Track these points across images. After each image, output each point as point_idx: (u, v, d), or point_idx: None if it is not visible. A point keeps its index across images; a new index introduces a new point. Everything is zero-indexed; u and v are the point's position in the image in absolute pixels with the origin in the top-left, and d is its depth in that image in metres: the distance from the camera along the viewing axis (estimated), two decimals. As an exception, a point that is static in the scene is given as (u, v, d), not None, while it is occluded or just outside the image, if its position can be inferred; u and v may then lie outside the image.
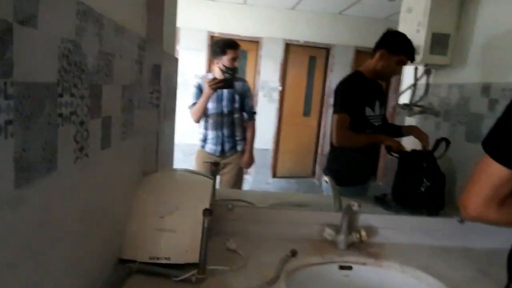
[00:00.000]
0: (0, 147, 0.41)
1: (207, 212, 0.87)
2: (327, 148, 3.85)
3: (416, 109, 2.00)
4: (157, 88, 1.10)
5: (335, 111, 1.63)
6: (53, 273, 0.56)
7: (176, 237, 0.94)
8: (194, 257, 0.92)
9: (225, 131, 2.23)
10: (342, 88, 1.66)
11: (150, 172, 1.09)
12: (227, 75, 2.07)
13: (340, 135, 1.61)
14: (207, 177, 1.14)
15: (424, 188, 1.50)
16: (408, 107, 2.01)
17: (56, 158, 0.55)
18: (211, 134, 2.23)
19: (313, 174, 4.52)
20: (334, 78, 4.40)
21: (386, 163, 1.90)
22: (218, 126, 2.22)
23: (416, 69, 1.93)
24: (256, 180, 4.13)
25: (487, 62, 1.59)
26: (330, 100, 4.40)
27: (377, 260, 1.09)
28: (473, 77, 1.66)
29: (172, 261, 0.93)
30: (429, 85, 1.94)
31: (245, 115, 2.30)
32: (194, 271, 0.88)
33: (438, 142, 1.54)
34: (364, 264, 1.10)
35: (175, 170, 1.24)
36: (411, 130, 1.79)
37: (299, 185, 4.36)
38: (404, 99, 2.06)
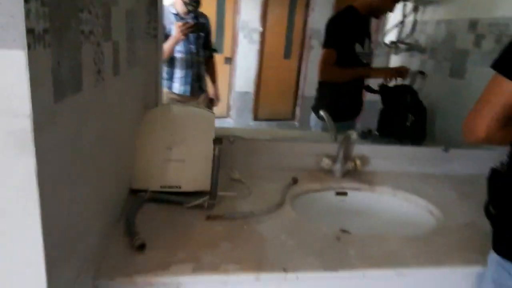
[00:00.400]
0: (40, 56, 0.40)
1: (217, 140, 0.89)
2: (308, 91, 3.85)
3: (403, 46, 2.02)
4: (154, 17, 1.05)
5: (323, 45, 1.63)
6: (80, 196, 0.57)
7: (185, 166, 0.96)
8: (204, 185, 0.95)
9: (194, 70, 2.18)
10: (333, 23, 1.64)
11: (151, 105, 1.08)
12: (190, 7, 1.98)
13: (324, 70, 1.62)
14: (208, 111, 1.14)
15: (410, 122, 1.58)
16: (394, 44, 2.03)
17: (82, 78, 0.54)
18: (179, 73, 2.16)
19: (293, 117, 4.57)
20: (315, 19, 4.29)
21: (364, 102, 1.95)
22: (186, 65, 2.15)
23: (404, 5, 1.93)
24: (238, 123, 4.14)
25: (476, -3, 1.61)
26: (311, 42, 4.33)
27: (371, 186, 1.18)
28: (460, 13, 1.68)
29: (182, 189, 0.96)
30: (417, 22, 1.95)
31: (207, 52, 2.26)
32: (205, 197, 0.92)
33: (414, 74, 1.58)
34: (358, 189, 1.18)
35: (175, 104, 1.23)
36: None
37: (280, 127, 4.41)
38: (390, 37, 2.07)
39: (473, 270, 0.79)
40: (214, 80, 2.37)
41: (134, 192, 0.95)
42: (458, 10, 1.72)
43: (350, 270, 0.73)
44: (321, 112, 1.40)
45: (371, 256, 0.78)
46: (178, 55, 2.11)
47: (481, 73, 1.50)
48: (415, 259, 0.79)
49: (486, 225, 0.80)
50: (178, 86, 2.17)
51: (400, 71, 1.66)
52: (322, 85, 1.80)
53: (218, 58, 3.92)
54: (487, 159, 1.26)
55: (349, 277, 0.74)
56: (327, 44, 1.62)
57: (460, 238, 0.89)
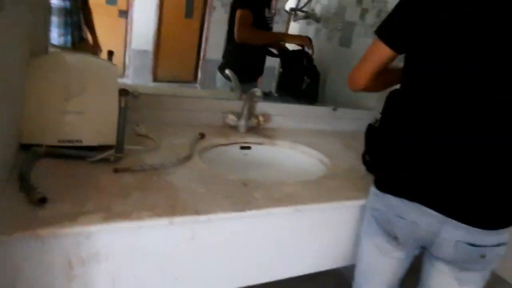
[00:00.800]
0: None
1: (123, 91, 0.86)
2: (210, 54, 3.81)
3: (301, 14, 2.15)
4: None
5: (238, 6, 1.62)
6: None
7: (86, 119, 0.90)
8: (108, 139, 0.91)
9: (73, 18, 1.96)
10: None
11: (40, 51, 0.96)
12: None
13: (242, 31, 1.62)
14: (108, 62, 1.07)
15: (305, 84, 1.73)
16: (294, 11, 2.15)
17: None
18: (57, 22, 1.92)
19: (195, 79, 4.49)
20: (218, -22, 4.18)
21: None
22: (65, 13, 1.93)
23: (303, -27, 2.03)
24: (136, 83, 3.90)
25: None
26: (213, 2, 4.22)
27: (272, 140, 1.28)
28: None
29: (84, 144, 0.90)
30: (314, -9, 2.08)
31: None
32: (111, 151, 0.89)
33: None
34: (260, 144, 1.27)
35: (68, 52, 1.12)
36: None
37: (182, 90, 4.30)
38: (290, 4, 2.18)
39: (357, 203, 0.95)
40: (92, 28, 2.13)
41: (25, 147, 0.86)
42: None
43: (256, 210, 0.81)
44: (227, 71, 1.43)
45: (273, 198, 0.87)
46: (54, 1, 1.85)
47: (363, 43, 1.70)
48: (310, 198, 0.91)
49: (364, 170, 0.97)
50: (57, 37, 1.90)
51: (310, 40, 1.77)
52: (230, 46, 1.81)
53: (111, 10, 3.58)
54: (367, 117, 1.48)
55: (256, 216, 0.82)
56: (242, 4, 1.61)
57: (345, 180, 1.05)
